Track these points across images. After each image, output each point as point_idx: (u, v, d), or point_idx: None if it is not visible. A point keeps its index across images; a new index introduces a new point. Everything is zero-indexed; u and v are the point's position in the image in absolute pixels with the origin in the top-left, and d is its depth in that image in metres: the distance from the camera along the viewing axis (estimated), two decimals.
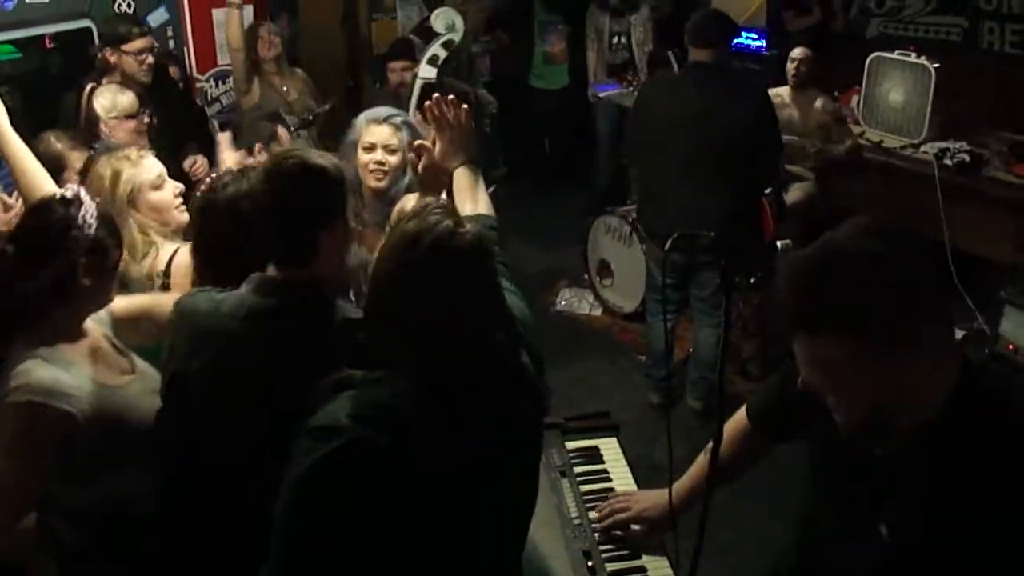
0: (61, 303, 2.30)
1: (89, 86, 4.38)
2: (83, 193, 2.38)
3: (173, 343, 2.22)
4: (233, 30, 5.31)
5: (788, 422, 2.08)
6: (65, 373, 2.24)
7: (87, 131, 4.07)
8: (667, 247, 2.03)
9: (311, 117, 4.92)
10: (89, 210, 2.33)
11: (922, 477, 1.65)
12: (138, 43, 4.75)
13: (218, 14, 6.18)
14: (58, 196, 2.35)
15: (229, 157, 3.84)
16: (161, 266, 2.95)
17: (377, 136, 3.42)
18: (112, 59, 4.75)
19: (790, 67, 6.11)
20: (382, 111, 3.53)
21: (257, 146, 4.10)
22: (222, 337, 2.14)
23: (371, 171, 3.41)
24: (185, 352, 2.17)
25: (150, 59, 4.78)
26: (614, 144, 7.24)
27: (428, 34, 5.01)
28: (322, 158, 2.27)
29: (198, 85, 6.22)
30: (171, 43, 6.16)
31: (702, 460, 2.37)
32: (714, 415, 2.11)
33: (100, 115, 4.05)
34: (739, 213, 4.53)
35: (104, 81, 4.60)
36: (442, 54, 4.45)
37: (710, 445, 1.98)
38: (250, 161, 3.39)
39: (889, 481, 1.71)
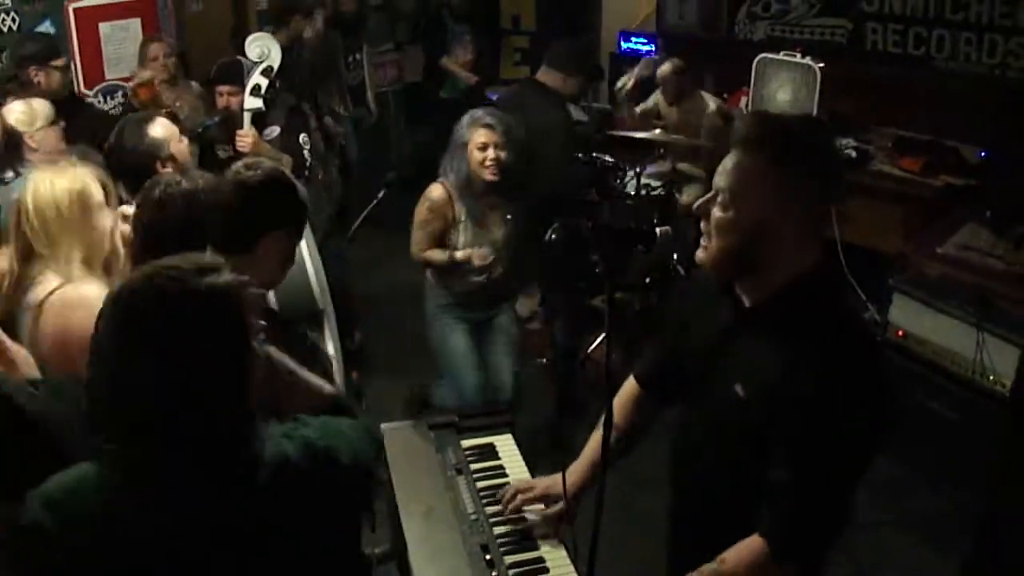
0: None
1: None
2: None
3: None
4: None
5: (672, 382, 2.36)
6: None
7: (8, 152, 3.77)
8: None
9: (200, 131, 4.84)
10: None
11: (764, 347, 2.01)
12: (63, 59, 4.69)
13: (105, 28, 6.05)
14: None
15: None
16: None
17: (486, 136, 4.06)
18: (38, 78, 4.65)
19: (660, 89, 6.28)
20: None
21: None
22: None
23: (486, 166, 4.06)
24: None
25: (70, 74, 4.73)
26: None
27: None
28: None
29: (87, 101, 6.07)
30: None
31: (596, 436, 2.42)
32: None
33: (23, 130, 3.78)
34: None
35: (9, 100, 4.46)
36: (263, 82, 4.30)
37: (602, 419, 2.14)
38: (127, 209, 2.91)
39: (741, 350, 2.07)
